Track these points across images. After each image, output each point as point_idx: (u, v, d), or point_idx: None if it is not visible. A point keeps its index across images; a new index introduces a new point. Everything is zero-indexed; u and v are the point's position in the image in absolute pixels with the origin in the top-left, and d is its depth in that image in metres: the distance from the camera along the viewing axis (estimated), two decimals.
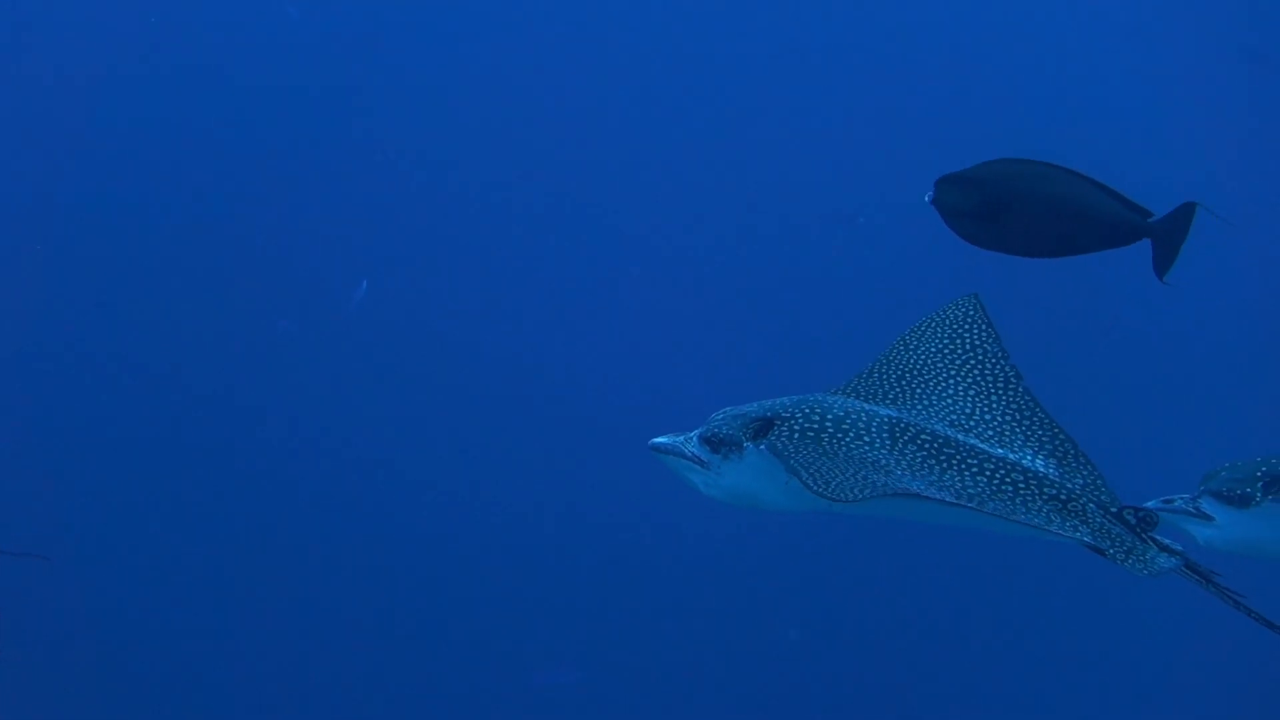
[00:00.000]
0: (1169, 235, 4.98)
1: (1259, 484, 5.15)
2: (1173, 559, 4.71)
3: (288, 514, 11.51)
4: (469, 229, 12.81)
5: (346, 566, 11.35)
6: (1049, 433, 5.19)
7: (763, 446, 4.84)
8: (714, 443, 4.96)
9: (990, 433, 5.17)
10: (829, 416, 4.93)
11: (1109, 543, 4.68)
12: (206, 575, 11.21)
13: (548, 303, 12.70)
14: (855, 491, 4.41)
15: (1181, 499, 5.29)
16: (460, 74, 13.15)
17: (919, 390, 5.40)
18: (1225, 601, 4.77)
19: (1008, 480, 4.79)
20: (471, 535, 11.47)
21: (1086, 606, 10.08)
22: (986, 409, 5.29)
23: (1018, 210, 4.98)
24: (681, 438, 5.09)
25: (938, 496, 4.51)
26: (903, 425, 4.95)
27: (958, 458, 4.84)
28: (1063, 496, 4.80)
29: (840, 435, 4.85)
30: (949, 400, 5.34)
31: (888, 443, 4.83)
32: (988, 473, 4.80)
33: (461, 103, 13.03)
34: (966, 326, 5.61)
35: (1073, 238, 5.05)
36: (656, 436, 5.16)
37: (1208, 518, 5.19)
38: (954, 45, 12.99)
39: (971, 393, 5.36)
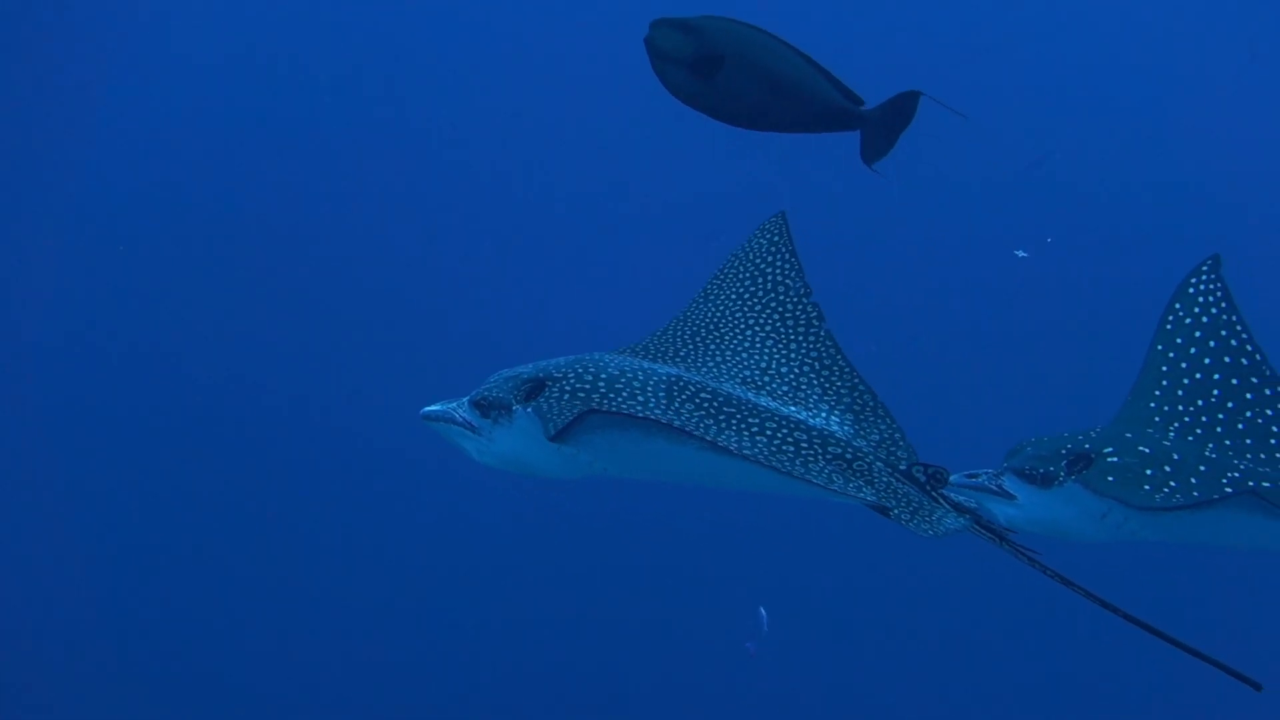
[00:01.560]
0: (882, 125, 4.79)
1: (1063, 462, 4.88)
2: (962, 518, 4.56)
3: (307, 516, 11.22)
4: (469, 229, 12.69)
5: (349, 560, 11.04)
6: (848, 384, 5.01)
7: (530, 409, 4.59)
8: (484, 406, 4.71)
9: (785, 388, 4.98)
10: (603, 376, 4.69)
11: (894, 502, 4.51)
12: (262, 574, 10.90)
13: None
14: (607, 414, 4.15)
15: (986, 474, 4.99)
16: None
17: (713, 347, 5.17)
18: (1020, 560, 4.60)
19: (790, 439, 4.58)
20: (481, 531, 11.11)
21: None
22: (784, 361, 5.09)
23: (731, 69, 4.71)
24: (455, 404, 4.82)
25: (698, 434, 4.25)
26: (682, 384, 4.71)
27: (738, 416, 4.62)
28: (848, 455, 4.61)
29: (612, 395, 4.60)
30: (744, 355, 5.13)
31: (664, 402, 4.59)
32: (769, 432, 4.58)
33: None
34: (770, 259, 5.38)
35: (784, 112, 4.83)
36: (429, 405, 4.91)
37: (1010, 496, 4.90)
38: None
39: (770, 343, 5.16)
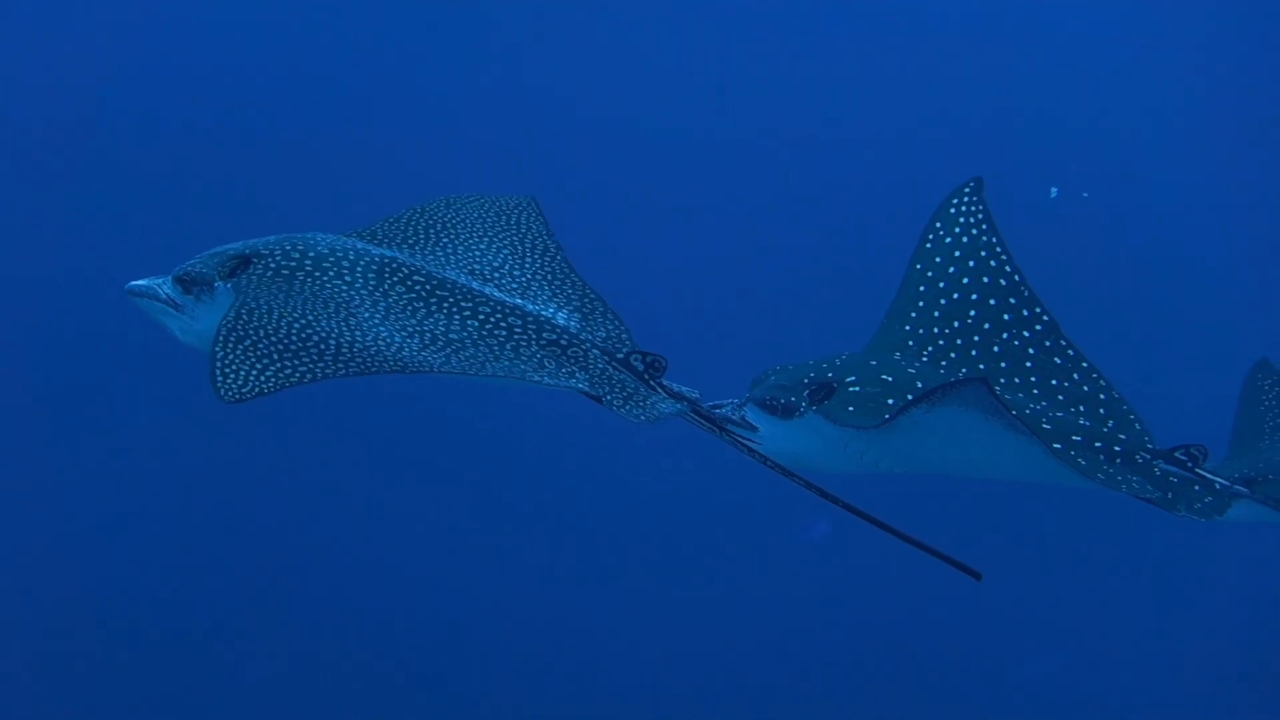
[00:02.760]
0: None
1: (804, 392, 4.75)
2: (677, 404, 4.54)
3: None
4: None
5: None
6: (578, 291, 4.98)
7: (231, 285, 4.46)
8: (186, 282, 4.53)
9: (514, 285, 4.90)
10: (310, 254, 4.53)
11: (607, 389, 4.48)
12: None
13: None
14: (262, 384, 3.97)
15: (730, 404, 4.85)
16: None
17: (445, 240, 5.05)
18: (741, 451, 4.64)
19: (503, 324, 4.50)
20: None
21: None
22: (518, 267, 5.02)
23: None
24: (160, 279, 4.62)
25: (354, 370, 4.10)
26: (395, 265, 4.58)
27: (450, 300, 4.52)
28: (563, 341, 4.54)
29: (319, 274, 4.47)
30: (477, 254, 5.03)
31: (373, 282, 4.49)
32: (481, 316, 4.50)
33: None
34: (516, 213, 5.35)
35: None
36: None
37: (752, 428, 4.77)
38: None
39: (505, 253, 5.08)
